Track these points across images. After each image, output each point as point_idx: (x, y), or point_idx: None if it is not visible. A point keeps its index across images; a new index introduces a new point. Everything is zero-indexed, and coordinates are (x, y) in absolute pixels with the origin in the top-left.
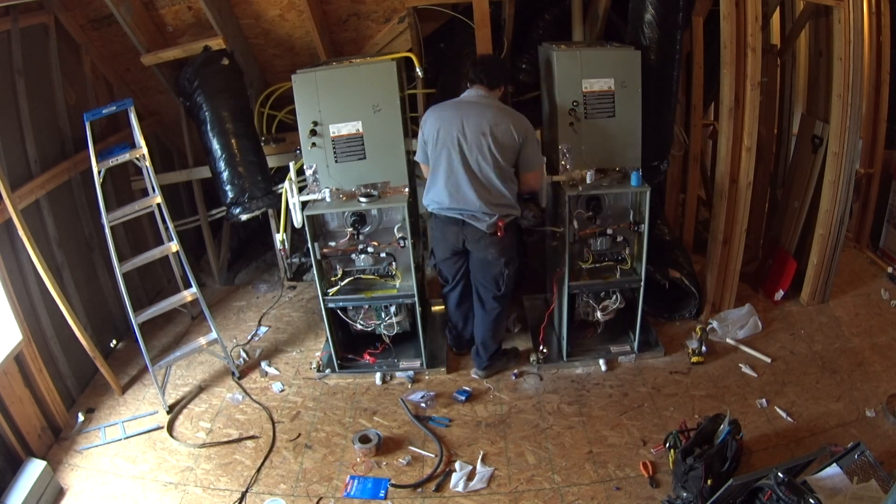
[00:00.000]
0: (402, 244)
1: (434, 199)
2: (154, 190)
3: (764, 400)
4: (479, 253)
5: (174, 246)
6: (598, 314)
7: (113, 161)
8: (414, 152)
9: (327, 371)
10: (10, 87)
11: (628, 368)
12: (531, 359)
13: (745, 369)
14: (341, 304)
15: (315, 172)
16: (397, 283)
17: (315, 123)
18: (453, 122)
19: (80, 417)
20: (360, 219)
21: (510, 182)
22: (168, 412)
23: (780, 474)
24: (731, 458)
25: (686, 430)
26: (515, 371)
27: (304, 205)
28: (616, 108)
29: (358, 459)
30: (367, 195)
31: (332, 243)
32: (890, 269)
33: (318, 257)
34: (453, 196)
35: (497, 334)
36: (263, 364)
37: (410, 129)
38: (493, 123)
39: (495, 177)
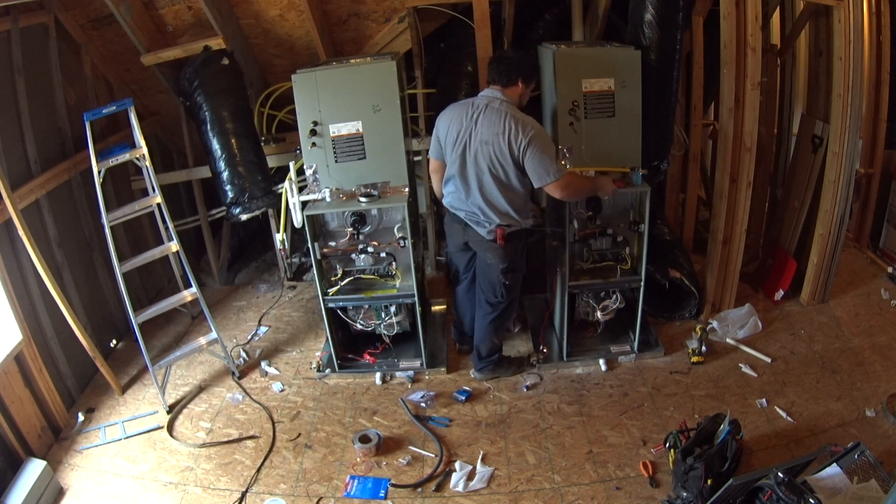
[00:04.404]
0: (402, 244)
1: (447, 193)
2: (154, 190)
3: (764, 400)
4: (481, 254)
5: (174, 246)
6: (598, 314)
7: (113, 161)
8: (415, 152)
9: (327, 371)
10: (10, 87)
11: (628, 368)
12: (531, 359)
13: (745, 369)
14: (341, 304)
15: (315, 172)
16: (397, 282)
17: (315, 123)
18: (464, 124)
19: (80, 417)
20: (360, 219)
21: (513, 193)
22: (168, 412)
23: (780, 474)
24: (731, 458)
25: (686, 430)
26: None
27: (304, 205)
28: (616, 108)
29: (358, 459)
30: (367, 195)
31: (332, 243)
32: (890, 269)
33: (318, 257)
34: (459, 197)
35: (491, 340)
36: (263, 364)
37: (410, 129)
38: (495, 133)
39: (496, 187)
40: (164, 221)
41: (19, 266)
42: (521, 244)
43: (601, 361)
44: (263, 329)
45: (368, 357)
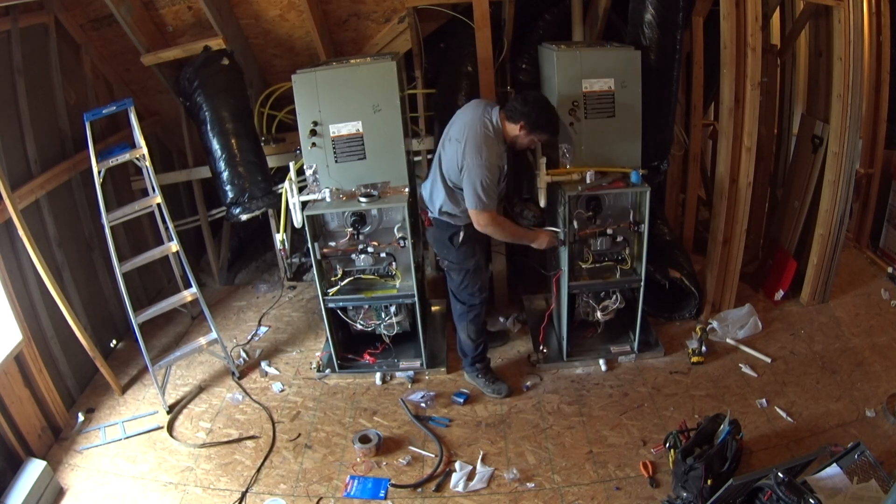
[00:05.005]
0: (402, 244)
1: None
2: (154, 190)
3: (764, 400)
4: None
5: (174, 246)
6: (598, 314)
7: (113, 161)
8: (415, 152)
9: (327, 371)
10: (10, 87)
11: (628, 368)
12: (531, 359)
13: (745, 369)
14: (341, 304)
15: (315, 172)
16: (397, 283)
17: (315, 123)
18: (457, 119)
19: (80, 417)
20: (360, 219)
21: (452, 194)
22: (168, 412)
23: (780, 474)
24: (731, 458)
25: (686, 430)
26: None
27: (304, 205)
28: (616, 108)
29: (358, 459)
30: (367, 195)
31: (332, 243)
32: (890, 269)
33: (318, 257)
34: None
35: (463, 336)
36: (263, 364)
37: (410, 129)
38: (453, 136)
39: (440, 180)
40: (164, 221)
41: (19, 266)
42: (450, 238)
43: (601, 361)
44: (263, 329)
45: (368, 357)
